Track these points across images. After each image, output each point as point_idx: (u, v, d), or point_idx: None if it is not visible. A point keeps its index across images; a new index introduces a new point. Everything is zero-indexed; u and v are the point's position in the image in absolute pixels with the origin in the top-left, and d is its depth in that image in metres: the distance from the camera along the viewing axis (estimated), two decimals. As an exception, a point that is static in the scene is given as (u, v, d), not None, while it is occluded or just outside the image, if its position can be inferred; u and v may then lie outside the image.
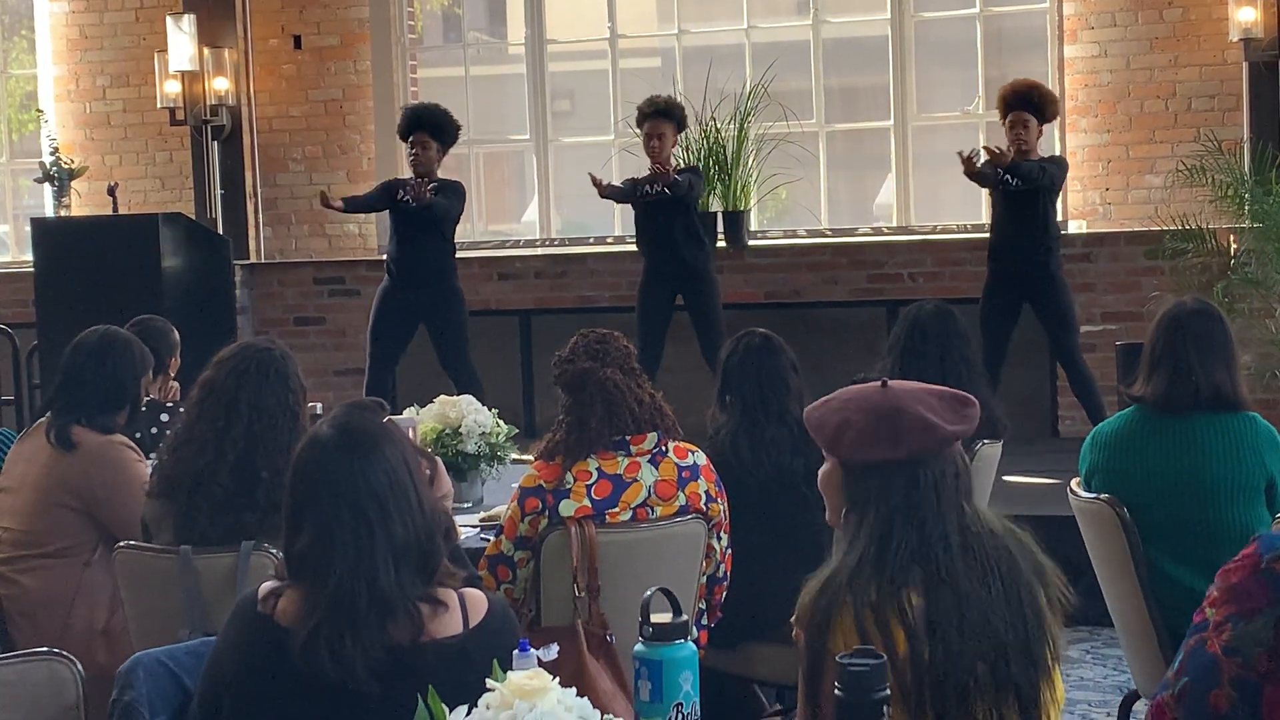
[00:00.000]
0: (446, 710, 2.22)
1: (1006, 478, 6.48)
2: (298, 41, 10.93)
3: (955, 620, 2.57)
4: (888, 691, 2.21)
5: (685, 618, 2.56)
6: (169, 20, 10.56)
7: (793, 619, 2.68)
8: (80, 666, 3.00)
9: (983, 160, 7.97)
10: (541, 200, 10.92)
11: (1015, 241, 8.12)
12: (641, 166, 8.90)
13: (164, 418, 5.63)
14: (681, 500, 4.14)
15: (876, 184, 10.94)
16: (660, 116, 8.53)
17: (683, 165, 8.99)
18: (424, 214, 8.39)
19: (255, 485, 3.89)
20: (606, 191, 8.56)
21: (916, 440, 2.64)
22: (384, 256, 8.77)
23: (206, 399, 4.00)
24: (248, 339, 4.09)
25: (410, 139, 8.56)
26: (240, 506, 3.89)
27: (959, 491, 2.67)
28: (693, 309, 8.62)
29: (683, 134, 8.95)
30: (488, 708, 2.21)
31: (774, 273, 9.89)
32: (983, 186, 8.39)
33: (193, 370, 4.43)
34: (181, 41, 10.51)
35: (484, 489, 5.42)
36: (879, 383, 2.75)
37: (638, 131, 8.77)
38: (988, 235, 8.45)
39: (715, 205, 9.85)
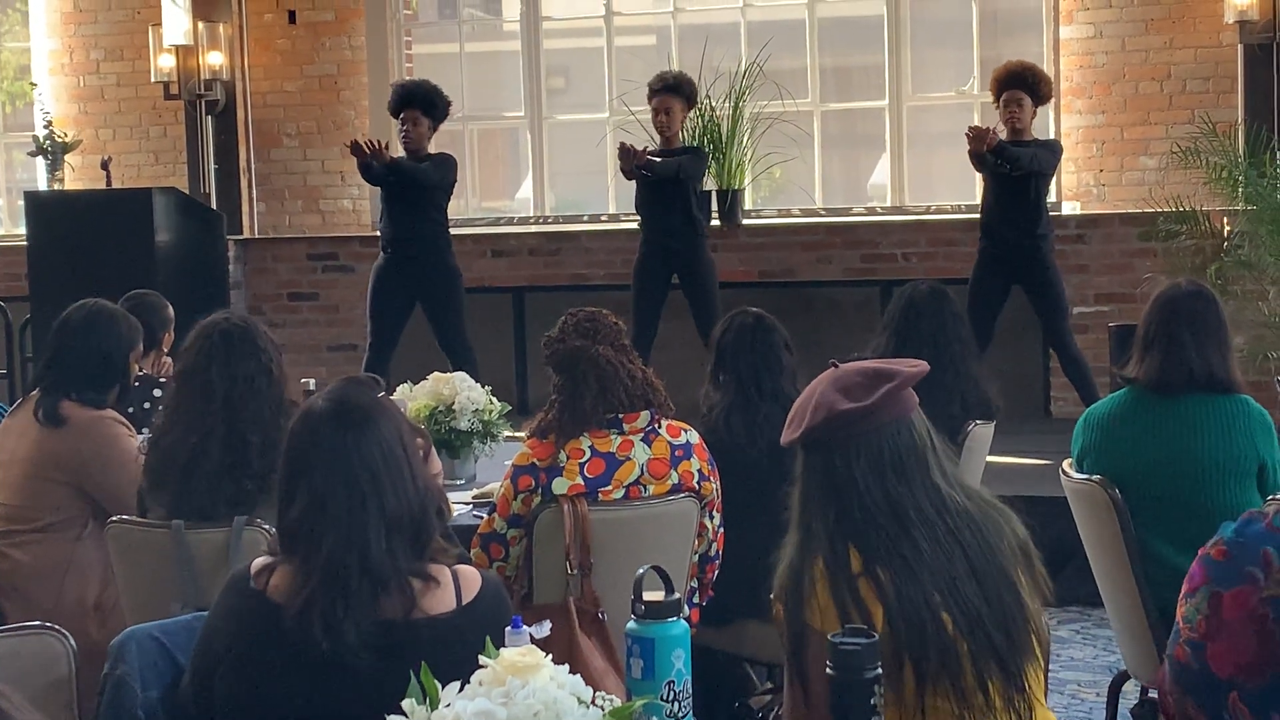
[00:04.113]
0: (439, 686, 2.22)
1: (999, 458, 6.48)
2: (292, 16, 10.89)
3: (919, 592, 2.59)
4: (880, 670, 2.22)
5: (678, 596, 2.56)
6: (163, -6, 10.54)
7: (772, 595, 2.71)
8: (72, 640, 3.01)
9: (975, 138, 7.90)
10: (536, 177, 10.91)
11: (1006, 223, 8.09)
12: (638, 143, 8.87)
13: (156, 393, 5.63)
14: (674, 479, 4.14)
15: (871, 164, 10.93)
16: (669, 91, 8.49)
17: (683, 145, 8.95)
18: (412, 186, 8.35)
19: (247, 451, 3.90)
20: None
21: (811, 420, 2.70)
22: (377, 232, 8.75)
23: (182, 387, 4.02)
24: (202, 320, 4.07)
25: (401, 116, 8.51)
26: (238, 475, 3.90)
27: (900, 468, 2.69)
28: (688, 288, 8.59)
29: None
30: (480, 684, 2.21)
31: (768, 252, 9.89)
32: (978, 170, 8.34)
33: (186, 346, 4.42)
34: (176, 15, 10.48)
35: (477, 466, 5.42)
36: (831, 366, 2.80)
37: (632, 112, 8.73)
38: (979, 214, 8.43)
39: (710, 184, 9.83)
